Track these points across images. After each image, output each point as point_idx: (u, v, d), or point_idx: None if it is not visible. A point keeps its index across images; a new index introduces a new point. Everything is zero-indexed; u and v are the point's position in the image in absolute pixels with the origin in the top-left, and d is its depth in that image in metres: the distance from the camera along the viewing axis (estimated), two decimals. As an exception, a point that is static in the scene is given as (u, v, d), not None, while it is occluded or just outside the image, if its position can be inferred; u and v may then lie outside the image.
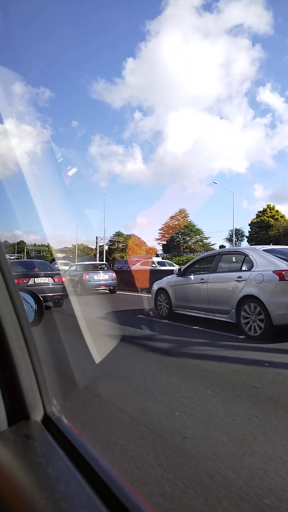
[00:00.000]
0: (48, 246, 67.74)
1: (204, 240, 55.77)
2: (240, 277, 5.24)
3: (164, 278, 7.23)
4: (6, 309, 0.58)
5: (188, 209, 56.61)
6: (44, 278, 8.32)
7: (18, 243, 74.34)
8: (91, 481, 0.46)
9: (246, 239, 52.13)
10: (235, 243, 44.97)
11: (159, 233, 58.75)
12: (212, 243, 55.45)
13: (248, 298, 5.02)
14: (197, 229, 56.44)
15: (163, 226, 58.21)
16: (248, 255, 5.36)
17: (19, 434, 0.56)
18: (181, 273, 6.62)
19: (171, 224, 57.78)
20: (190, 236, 56.02)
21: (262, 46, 79.91)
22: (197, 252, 48.90)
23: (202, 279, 5.99)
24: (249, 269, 5.21)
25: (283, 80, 76.31)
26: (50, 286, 8.30)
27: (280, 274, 4.70)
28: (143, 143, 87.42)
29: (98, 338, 4.56)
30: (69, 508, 0.42)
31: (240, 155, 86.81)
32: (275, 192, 74.49)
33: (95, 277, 12.35)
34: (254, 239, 48.01)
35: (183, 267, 6.83)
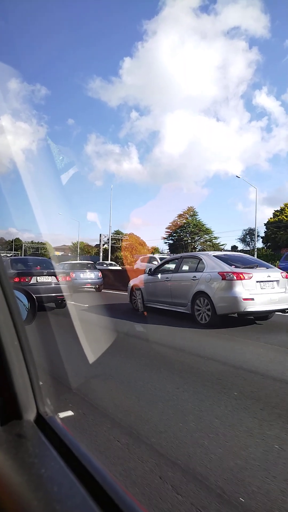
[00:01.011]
0: (46, 244, 65.92)
1: (213, 240, 52.04)
2: (194, 276, 6.40)
3: (138, 277, 8.31)
4: (-1, 307, 0.57)
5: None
6: (47, 277, 7.67)
7: (14, 241, 73.28)
8: (84, 482, 0.45)
9: (261, 239, 47.95)
10: (249, 243, 42.06)
11: (166, 231, 55.50)
12: (221, 244, 51.54)
13: (200, 294, 6.16)
14: (206, 228, 52.47)
15: (171, 224, 54.79)
16: (201, 259, 6.51)
17: (12, 433, 0.55)
18: (151, 273, 7.70)
19: (179, 223, 54.09)
20: (199, 236, 52.41)
21: (259, 49, 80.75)
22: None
23: (167, 278, 7.15)
24: (202, 270, 6.34)
25: (279, 84, 77.15)
26: (54, 285, 7.64)
27: (223, 275, 5.85)
28: (139, 143, 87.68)
29: (92, 338, 4.55)
30: (62, 509, 0.41)
31: (235, 157, 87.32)
32: (270, 195, 75.12)
33: (81, 275, 12.73)
34: (270, 240, 44.94)
35: (153, 268, 7.96)
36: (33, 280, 7.41)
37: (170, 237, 55.24)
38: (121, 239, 51.13)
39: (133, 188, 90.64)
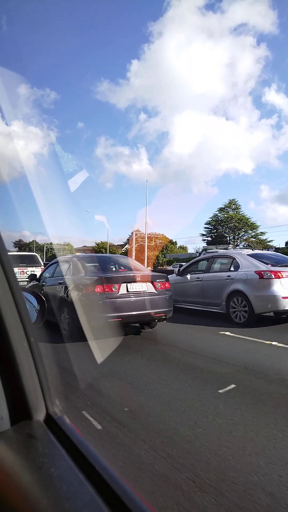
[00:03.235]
0: (67, 245, 62.28)
1: (259, 237, 46.08)
2: (229, 276, 6.38)
3: None
4: (8, 308, 0.58)
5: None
6: (141, 283, 5.01)
7: (31, 243, 72.75)
8: (93, 481, 0.46)
9: None
10: None
11: (205, 227, 50.62)
12: (269, 240, 45.33)
13: (235, 293, 6.15)
14: (251, 223, 46.79)
15: (211, 219, 49.74)
16: (235, 259, 6.53)
17: (22, 433, 0.56)
18: (180, 273, 7.67)
19: (220, 217, 48.78)
20: (244, 230, 47.02)
21: (268, 45, 79.95)
22: (254, 249, 36.53)
23: (198, 278, 7.14)
24: (236, 269, 6.35)
25: (289, 80, 76.00)
26: (151, 297, 4.99)
27: (260, 274, 5.87)
28: (148, 145, 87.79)
29: (100, 338, 4.55)
30: (71, 508, 0.42)
31: (245, 155, 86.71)
32: (282, 193, 74.29)
33: None
34: None
35: (181, 268, 7.88)
36: (122, 289, 4.81)
37: (210, 234, 50.31)
38: (154, 238, 46.62)
39: (143, 189, 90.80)
